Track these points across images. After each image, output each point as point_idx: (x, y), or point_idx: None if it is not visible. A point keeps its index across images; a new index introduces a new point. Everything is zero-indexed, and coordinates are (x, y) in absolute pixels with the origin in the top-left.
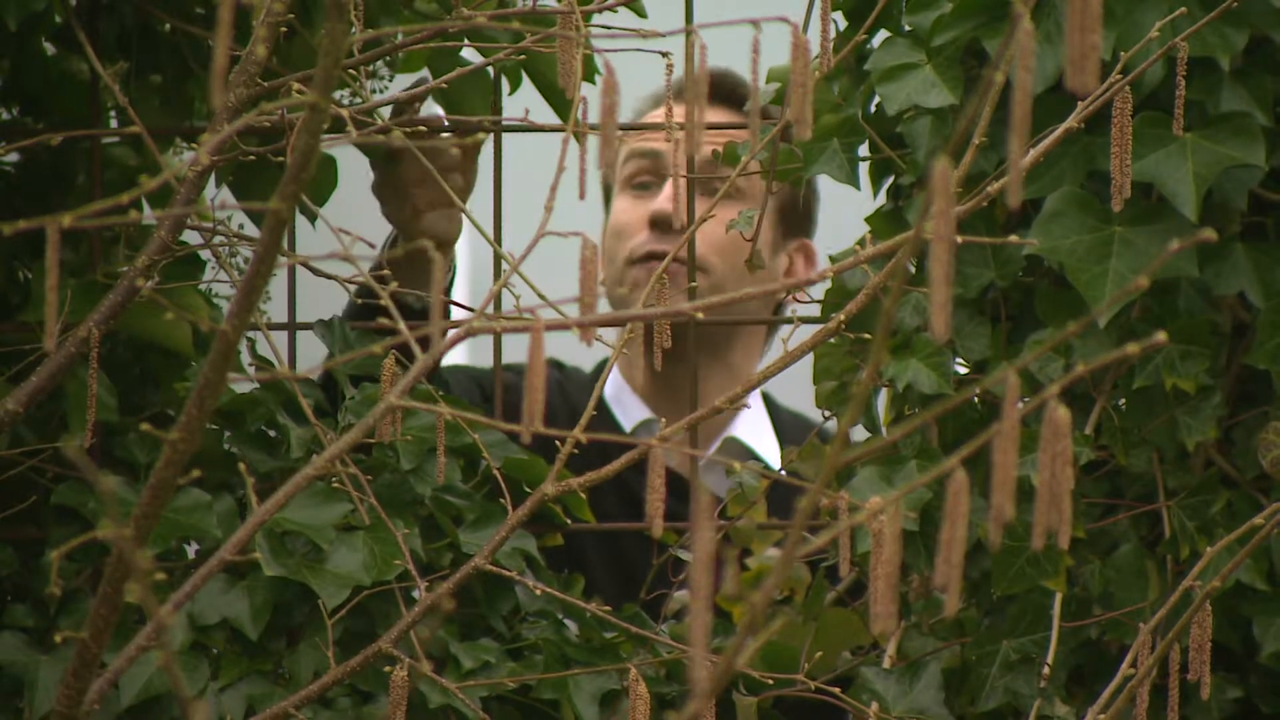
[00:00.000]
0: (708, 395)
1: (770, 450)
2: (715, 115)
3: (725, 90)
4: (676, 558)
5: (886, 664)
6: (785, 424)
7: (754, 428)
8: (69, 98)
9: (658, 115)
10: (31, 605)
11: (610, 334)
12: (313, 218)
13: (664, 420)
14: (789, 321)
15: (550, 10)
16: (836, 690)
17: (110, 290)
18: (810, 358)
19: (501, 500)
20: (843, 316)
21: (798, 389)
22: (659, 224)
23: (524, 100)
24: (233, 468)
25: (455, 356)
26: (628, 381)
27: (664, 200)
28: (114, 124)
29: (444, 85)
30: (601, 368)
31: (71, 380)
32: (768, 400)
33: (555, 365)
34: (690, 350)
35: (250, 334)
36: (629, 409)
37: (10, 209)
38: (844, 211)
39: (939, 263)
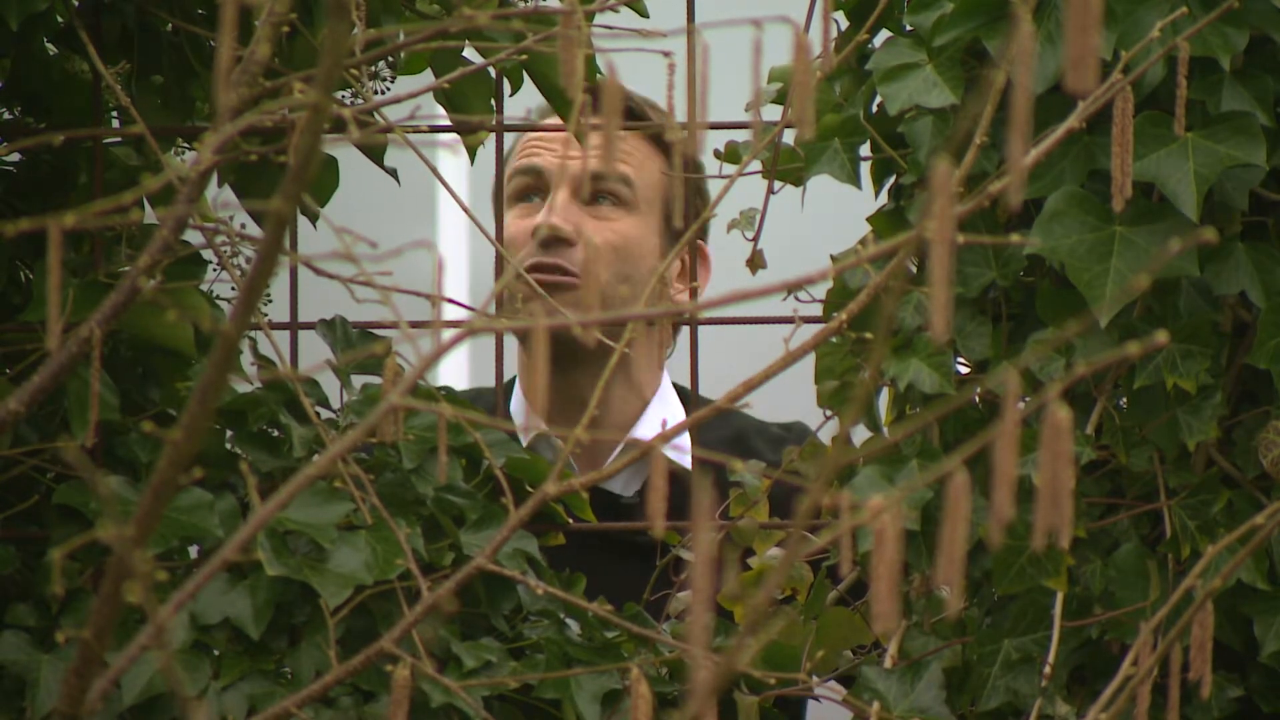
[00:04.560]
0: (610, 405)
1: (681, 447)
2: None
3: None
4: (679, 558)
5: (888, 663)
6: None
7: (658, 426)
8: (71, 97)
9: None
10: (34, 605)
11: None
12: (314, 217)
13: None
14: (789, 321)
15: (552, 10)
16: (838, 689)
17: (112, 290)
18: (811, 357)
19: (503, 500)
20: (844, 316)
21: (798, 389)
22: (541, 238)
23: (525, 100)
24: (234, 467)
25: (456, 356)
26: (525, 396)
27: (551, 218)
28: (116, 124)
29: (445, 86)
30: (509, 384)
31: (73, 380)
32: (682, 391)
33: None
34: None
35: (252, 333)
36: (522, 419)
37: (12, 209)
38: (846, 211)
39: (940, 263)
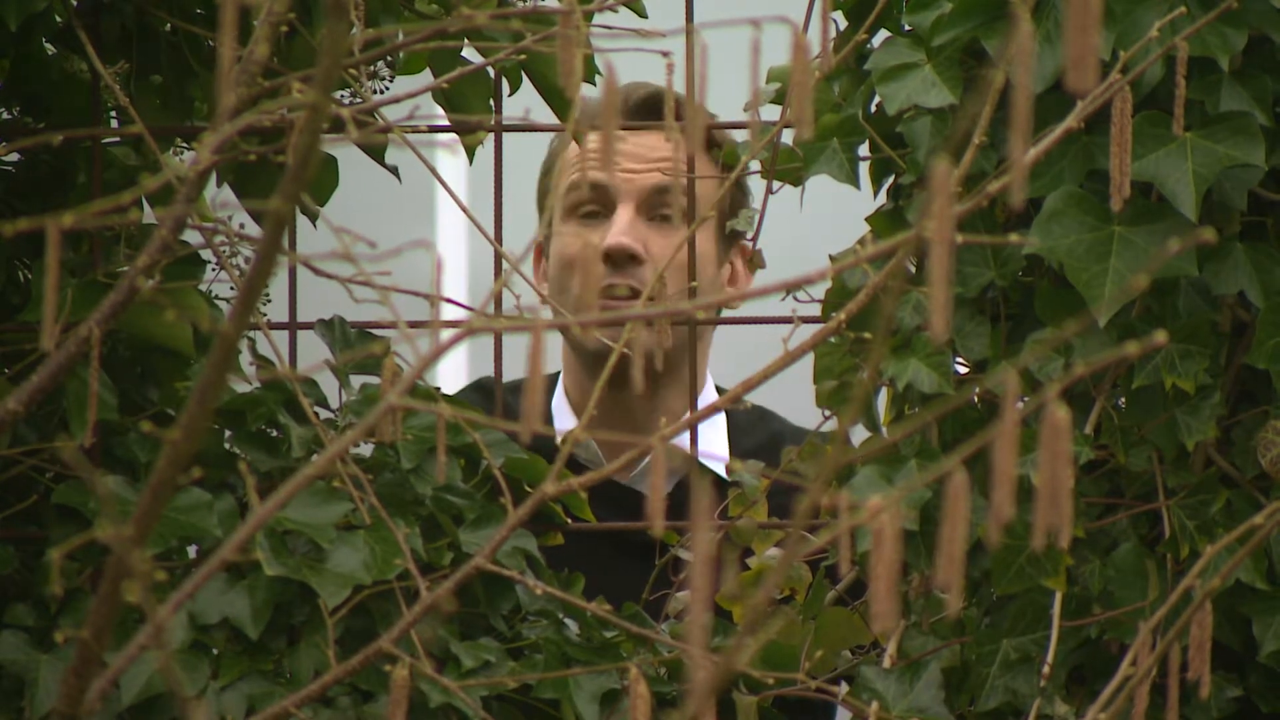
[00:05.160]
0: (661, 407)
1: (717, 450)
2: (651, 133)
3: (656, 109)
4: (678, 557)
5: (887, 663)
6: (739, 421)
7: (707, 433)
8: (70, 97)
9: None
10: (32, 605)
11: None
12: (313, 217)
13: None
14: (789, 321)
15: (550, 10)
16: (837, 689)
17: (111, 290)
18: (810, 357)
19: (502, 500)
20: (843, 316)
21: (798, 389)
22: (614, 259)
23: (524, 100)
24: (233, 467)
25: (455, 356)
26: (565, 392)
27: (618, 235)
28: (114, 124)
29: (445, 85)
30: (553, 379)
31: (72, 380)
32: (721, 393)
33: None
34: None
35: (250, 333)
36: (562, 418)
37: (11, 209)
38: (844, 211)
39: (939, 263)
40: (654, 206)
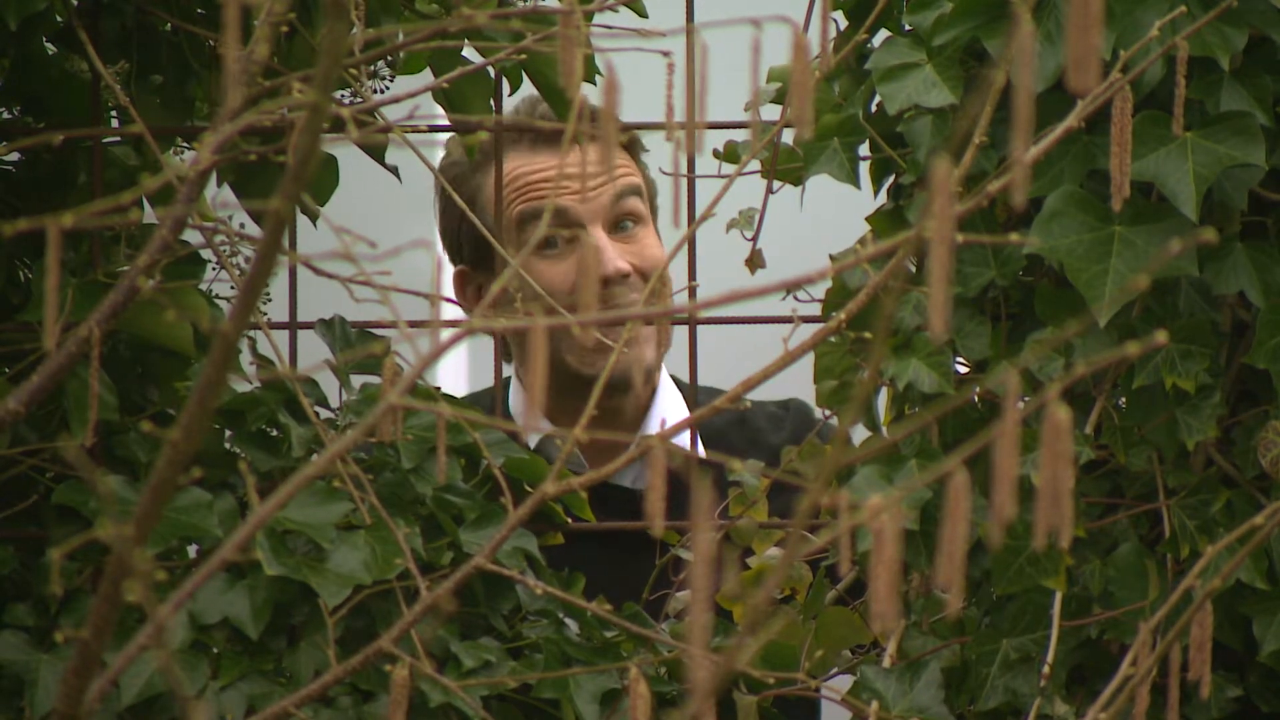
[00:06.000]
0: (626, 400)
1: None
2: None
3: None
4: (678, 557)
5: (887, 663)
6: (701, 402)
7: (670, 418)
8: (70, 97)
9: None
10: (32, 604)
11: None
12: (314, 217)
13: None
14: (789, 320)
15: (550, 10)
16: (836, 689)
17: (111, 290)
18: (810, 357)
19: (502, 499)
20: (843, 315)
21: (797, 389)
22: (612, 282)
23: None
24: (234, 467)
25: (455, 356)
26: (529, 398)
27: (614, 260)
28: (115, 123)
29: (445, 85)
30: (505, 382)
31: (72, 379)
32: (677, 381)
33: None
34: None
35: (251, 333)
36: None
37: (11, 209)
38: (845, 211)
39: (939, 262)
40: (614, 220)
